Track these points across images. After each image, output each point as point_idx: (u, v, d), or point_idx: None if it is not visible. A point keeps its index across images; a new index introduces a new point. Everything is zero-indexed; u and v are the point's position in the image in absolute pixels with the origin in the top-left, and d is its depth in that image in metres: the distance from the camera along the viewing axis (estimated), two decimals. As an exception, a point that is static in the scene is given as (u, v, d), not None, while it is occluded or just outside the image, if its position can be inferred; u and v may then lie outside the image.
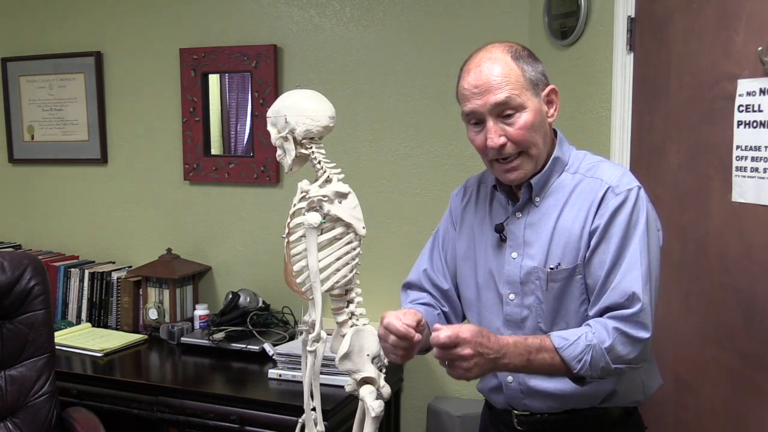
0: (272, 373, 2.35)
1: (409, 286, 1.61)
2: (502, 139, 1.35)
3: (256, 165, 2.83)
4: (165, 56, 2.93)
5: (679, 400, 1.71)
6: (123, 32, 3.00)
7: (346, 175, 1.54)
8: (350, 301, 1.54)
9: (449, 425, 2.52)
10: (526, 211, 1.44)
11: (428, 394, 2.72)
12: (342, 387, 1.68)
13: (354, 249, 1.52)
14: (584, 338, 1.29)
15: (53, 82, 3.12)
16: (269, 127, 1.54)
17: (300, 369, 2.22)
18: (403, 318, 1.32)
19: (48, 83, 3.13)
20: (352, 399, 2.06)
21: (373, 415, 1.49)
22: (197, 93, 2.88)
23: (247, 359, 2.52)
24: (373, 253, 2.43)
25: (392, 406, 2.67)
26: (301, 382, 1.62)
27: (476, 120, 1.38)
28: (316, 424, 1.60)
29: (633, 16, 1.86)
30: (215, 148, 2.93)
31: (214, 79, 2.91)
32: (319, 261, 1.49)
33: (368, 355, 1.50)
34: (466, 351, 1.22)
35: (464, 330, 1.23)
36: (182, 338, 2.66)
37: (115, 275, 2.94)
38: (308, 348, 1.55)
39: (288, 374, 2.33)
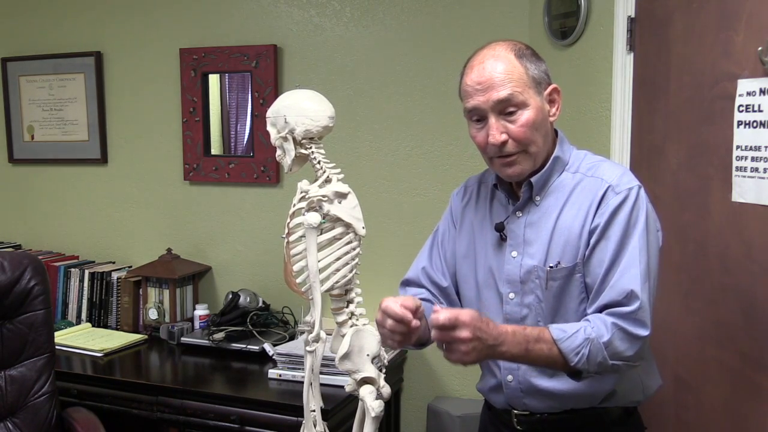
0: (272, 373, 2.35)
1: (407, 283, 1.61)
2: (504, 136, 1.36)
3: (256, 165, 2.83)
4: (165, 56, 2.93)
5: (679, 400, 1.71)
6: (123, 32, 3.00)
7: (346, 175, 1.54)
8: (350, 301, 1.55)
9: (449, 425, 2.52)
10: (527, 210, 1.44)
11: (428, 394, 2.72)
12: (342, 387, 1.68)
13: (354, 249, 1.52)
14: (583, 332, 1.29)
15: (53, 82, 3.12)
16: (269, 127, 1.55)
17: (300, 369, 2.22)
18: (401, 302, 1.32)
19: (48, 83, 3.13)
20: (352, 399, 2.06)
21: (373, 415, 1.49)
22: (197, 93, 2.88)
23: (247, 359, 2.52)
24: (373, 253, 2.43)
25: (392, 406, 2.67)
26: (301, 382, 1.62)
27: (478, 117, 1.38)
28: (315, 425, 1.60)
29: (633, 16, 1.86)
30: (215, 148, 2.93)
31: (214, 79, 2.91)
32: (319, 261, 1.49)
33: (368, 355, 1.50)
34: (465, 334, 1.21)
35: (464, 313, 1.23)
36: (182, 338, 2.66)
37: (115, 275, 2.94)
38: (308, 348, 1.55)
39: (288, 374, 2.32)
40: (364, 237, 1.53)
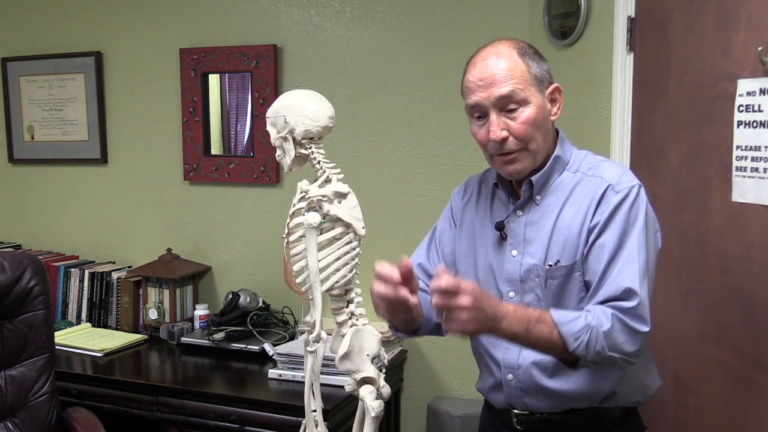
0: (272, 373, 2.35)
1: None
2: (504, 133, 1.36)
3: (256, 165, 2.83)
4: (165, 56, 2.93)
5: (679, 400, 1.71)
6: (123, 32, 3.00)
7: (346, 175, 1.54)
8: (350, 301, 1.55)
9: (449, 425, 2.52)
10: (527, 209, 1.44)
11: (428, 394, 2.72)
12: (342, 387, 1.68)
13: (354, 249, 1.53)
14: (584, 318, 1.28)
15: (53, 82, 3.12)
16: (269, 127, 1.55)
17: (300, 369, 2.22)
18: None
19: (48, 83, 3.13)
20: (352, 399, 2.06)
21: (373, 415, 1.49)
22: (197, 93, 2.88)
23: (247, 359, 2.52)
24: (373, 253, 2.42)
25: (392, 406, 2.67)
26: (301, 382, 1.62)
27: (480, 113, 1.39)
28: (317, 425, 1.60)
29: (633, 16, 1.86)
30: (215, 148, 2.93)
31: (214, 79, 2.91)
32: (319, 261, 1.50)
33: (368, 355, 1.50)
34: (466, 301, 1.20)
35: (466, 282, 1.22)
36: (182, 338, 2.66)
37: (115, 275, 2.94)
38: (308, 348, 1.55)
39: (288, 374, 2.32)
40: (364, 237, 1.53)
